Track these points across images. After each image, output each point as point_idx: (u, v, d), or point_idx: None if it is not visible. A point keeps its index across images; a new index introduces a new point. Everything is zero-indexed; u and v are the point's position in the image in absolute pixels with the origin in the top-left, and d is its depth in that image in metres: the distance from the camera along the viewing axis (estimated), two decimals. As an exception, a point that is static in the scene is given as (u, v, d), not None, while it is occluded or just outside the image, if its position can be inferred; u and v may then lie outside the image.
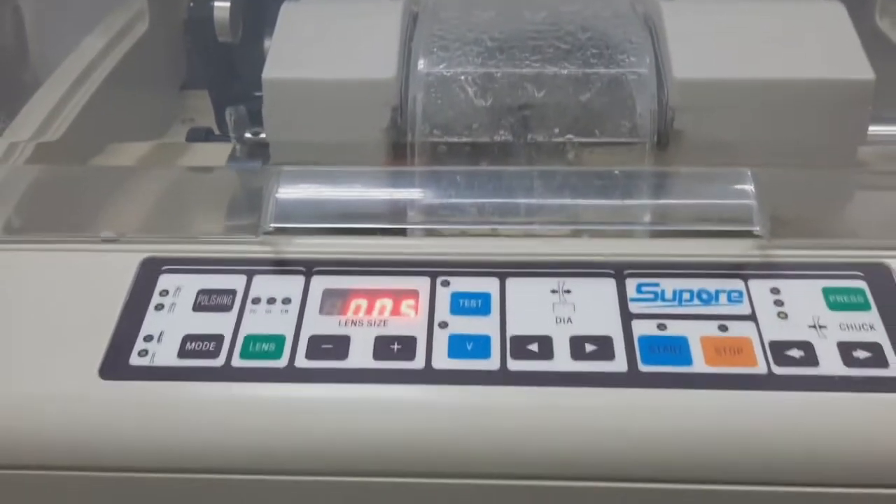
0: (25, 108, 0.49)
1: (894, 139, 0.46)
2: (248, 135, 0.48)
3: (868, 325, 0.36)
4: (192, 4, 0.52)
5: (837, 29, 0.44)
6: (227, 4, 0.50)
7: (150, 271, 0.39)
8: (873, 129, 0.45)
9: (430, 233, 0.41)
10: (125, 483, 0.35)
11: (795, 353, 0.35)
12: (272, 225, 0.39)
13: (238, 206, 0.45)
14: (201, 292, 0.38)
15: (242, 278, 0.39)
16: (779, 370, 0.35)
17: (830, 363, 0.35)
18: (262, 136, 0.46)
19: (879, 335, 0.36)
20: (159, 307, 0.38)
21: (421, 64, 0.44)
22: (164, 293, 0.38)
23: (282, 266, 0.39)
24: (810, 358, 0.35)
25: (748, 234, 0.39)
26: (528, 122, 0.44)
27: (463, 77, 0.44)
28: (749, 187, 0.39)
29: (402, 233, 0.41)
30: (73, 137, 0.48)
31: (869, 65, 0.43)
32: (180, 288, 0.39)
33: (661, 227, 0.40)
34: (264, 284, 0.39)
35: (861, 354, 0.35)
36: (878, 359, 0.35)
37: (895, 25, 0.57)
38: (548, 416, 0.34)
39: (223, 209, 0.45)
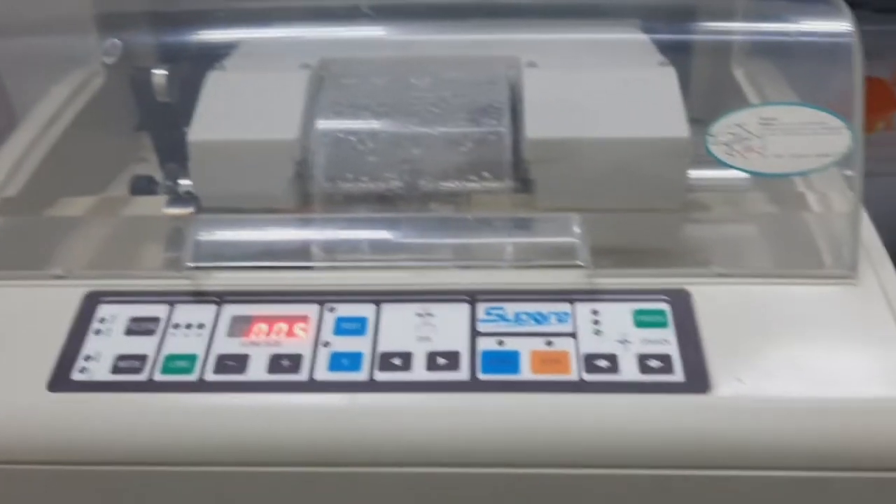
0: (-7, 161, 0.58)
1: (719, 184, 0.54)
2: (182, 182, 0.56)
3: (664, 340, 0.45)
4: (134, 70, 0.60)
5: (665, 91, 0.53)
6: (165, 72, 0.59)
7: (91, 302, 0.48)
8: (701, 174, 0.54)
9: (323, 267, 0.50)
10: (68, 474, 0.43)
11: (602, 363, 0.44)
12: (191, 263, 0.48)
13: (170, 247, 0.54)
14: (132, 319, 0.47)
15: (166, 307, 0.48)
16: (588, 377, 0.44)
17: (629, 371, 0.44)
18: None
19: (672, 348, 0.45)
20: (97, 332, 0.46)
21: (320, 125, 0.53)
22: (102, 320, 0.47)
23: (199, 297, 0.48)
24: (614, 367, 0.44)
25: (575, 266, 0.48)
26: (411, 174, 0.52)
27: (352, 137, 0.53)
28: (576, 229, 0.48)
29: (300, 268, 0.50)
30: (33, 188, 0.57)
31: (686, 123, 0.51)
32: (115, 316, 0.47)
33: (506, 262, 0.49)
34: (184, 312, 0.47)
35: (654, 363, 0.44)
36: (667, 367, 0.44)
37: (748, 76, 0.66)
38: (404, 416, 0.43)
39: (158, 250, 0.54)
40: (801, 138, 0.47)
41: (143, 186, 0.59)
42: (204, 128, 0.53)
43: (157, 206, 0.57)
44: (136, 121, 0.71)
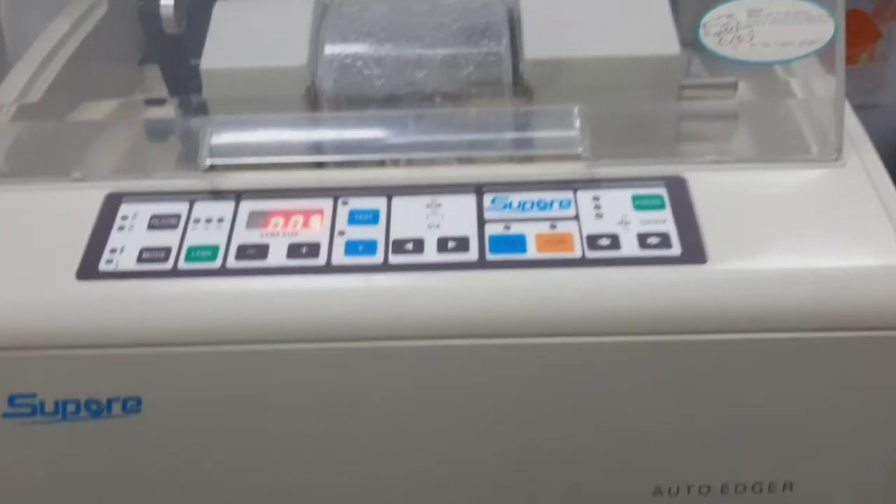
0: (6, 79, 0.59)
1: (708, 92, 0.57)
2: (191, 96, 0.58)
3: (662, 220, 0.48)
4: (141, 3, 0.62)
5: (656, 11, 0.55)
6: (172, 2, 0.60)
7: (112, 202, 0.50)
8: (690, 82, 0.56)
9: (335, 165, 0.52)
10: (97, 358, 0.46)
11: (604, 241, 0.47)
12: (208, 162, 0.50)
13: (185, 151, 0.55)
14: (154, 216, 0.49)
15: (186, 205, 0.50)
16: (590, 254, 0.46)
17: (630, 247, 0.46)
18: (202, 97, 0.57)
19: (669, 227, 0.47)
20: (121, 228, 0.49)
21: (327, 51, 0.55)
22: (125, 218, 0.49)
23: (217, 195, 0.50)
24: (615, 244, 0.46)
25: (577, 157, 0.50)
26: (414, 96, 0.55)
27: (359, 62, 0.55)
28: (576, 121, 0.50)
29: (313, 166, 0.52)
30: (49, 99, 0.58)
31: (676, 40, 0.53)
32: (137, 214, 0.49)
33: (511, 154, 0.51)
34: (203, 209, 0.49)
35: (653, 240, 0.47)
36: (665, 243, 0.46)
37: None
38: (418, 294, 0.46)
39: (173, 154, 0.56)
40: (786, 27, 0.49)
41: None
42: (215, 56, 0.54)
43: (166, 112, 0.59)
44: (140, 53, 0.73)
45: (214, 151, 0.50)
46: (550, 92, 0.54)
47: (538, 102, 0.54)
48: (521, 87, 0.54)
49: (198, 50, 0.56)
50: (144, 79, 0.73)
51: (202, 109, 0.57)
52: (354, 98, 0.54)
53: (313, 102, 0.55)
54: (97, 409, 0.47)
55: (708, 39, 0.49)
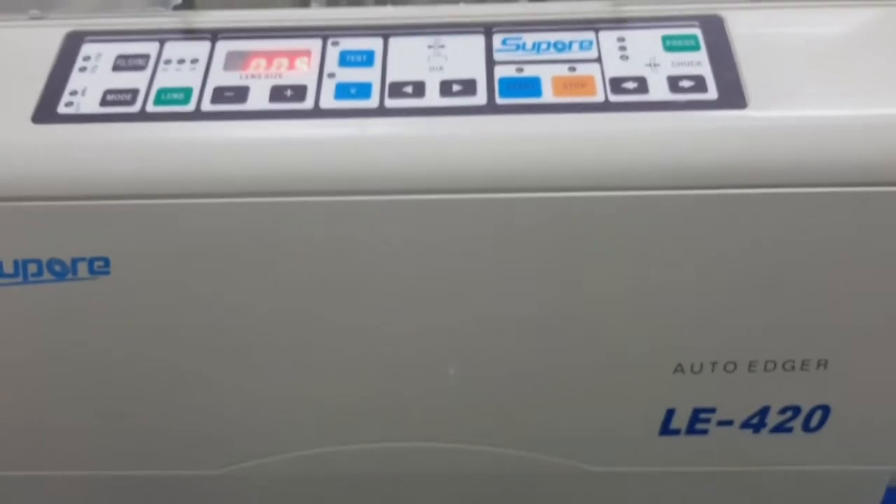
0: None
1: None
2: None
3: (696, 62, 0.42)
4: None
5: None
6: None
7: (73, 41, 0.44)
8: None
9: (323, 3, 0.46)
10: (59, 210, 0.41)
11: (630, 84, 0.41)
12: (179, -4, 0.44)
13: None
14: (119, 57, 0.43)
15: (155, 45, 0.44)
16: (614, 98, 0.41)
17: (659, 91, 0.41)
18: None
19: (704, 69, 0.41)
20: (83, 69, 0.43)
21: None
22: (87, 58, 0.43)
23: (190, 34, 0.44)
24: (642, 88, 0.41)
25: (599, -7, 0.44)
26: None
27: None
28: (601, -49, 0.44)
29: (299, 4, 0.46)
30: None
31: None
32: (101, 54, 0.44)
33: (525, -15, 0.45)
34: (175, 49, 0.44)
35: (686, 84, 0.41)
36: (700, 86, 0.41)
37: None
38: (419, 141, 0.40)
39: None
40: None
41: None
42: None
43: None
44: None
45: (187, -18, 0.45)
46: None
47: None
48: None
49: None
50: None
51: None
52: None
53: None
54: (61, 271, 0.42)
55: None
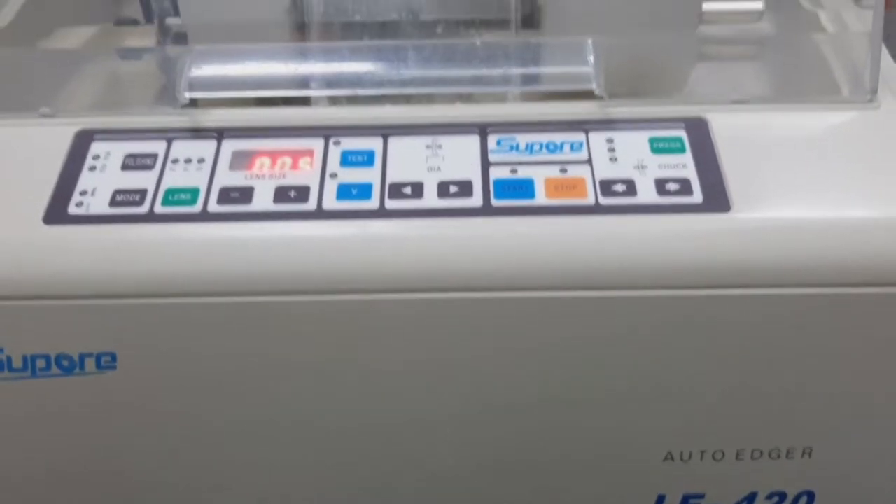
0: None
1: (731, 16, 0.52)
2: (169, 21, 0.53)
3: (682, 165, 0.44)
4: None
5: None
6: None
7: (83, 140, 0.45)
8: (711, 6, 0.52)
9: (325, 102, 0.48)
10: (67, 309, 0.42)
11: (619, 187, 0.43)
12: (187, 95, 0.46)
13: (161, 85, 0.51)
14: (128, 156, 0.45)
15: (163, 143, 0.45)
16: (605, 200, 0.42)
17: (647, 193, 0.42)
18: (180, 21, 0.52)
19: (689, 172, 0.43)
20: (92, 168, 0.44)
21: (315, -42, 0.50)
22: (96, 157, 0.45)
23: (197, 132, 0.46)
24: (631, 190, 0.43)
25: (590, 95, 0.46)
26: (411, 3, 0.50)
27: (352, -28, 0.50)
28: (590, 56, 0.46)
29: (301, 102, 0.48)
30: (19, 23, 0.54)
31: None
32: (110, 153, 0.45)
33: (518, 89, 0.47)
34: (182, 148, 0.45)
35: (672, 186, 0.43)
36: (686, 189, 0.43)
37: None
38: (418, 242, 0.42)
39: (149, 87, 0.51)
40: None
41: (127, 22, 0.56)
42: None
43: (143, 40, 0.54)
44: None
45: (194, 84, 0.46)
46: (560, 14, 0.49)
47: (546, 26, 0.50)
48: (528, 5, 0.50)
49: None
50: (121, 7, 0.68)
51: (181, 37, 0.52)
52: (344, 12, 0.50)
53: (299, 17, 0.50)
54: (69, 366, 0.43)
55: (734, -34, 0.45)
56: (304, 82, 0.48)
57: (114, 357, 0.43)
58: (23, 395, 0.44)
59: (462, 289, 0.42)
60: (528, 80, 0.47)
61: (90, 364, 0.43)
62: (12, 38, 0.53)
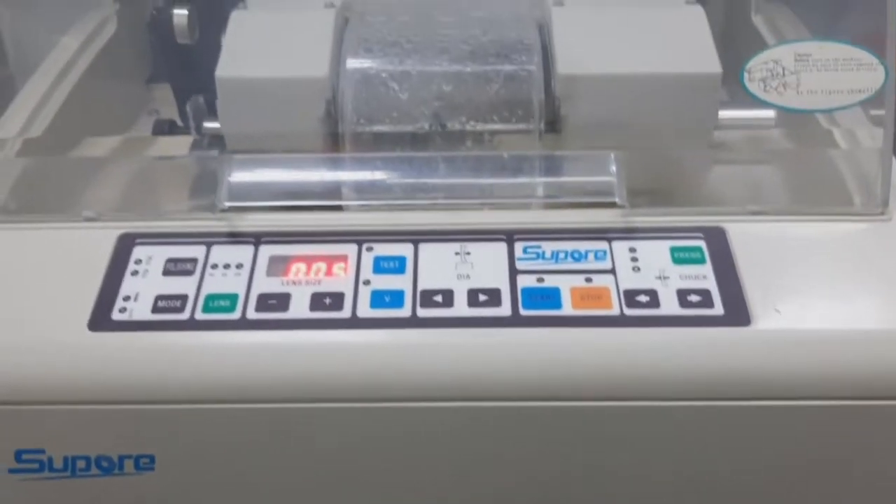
0: (12, 105, 0.57)
1: (745, 122, 0.55)
2: (206, 125, 0.55)
3: (702, 276, 0.46)
4: (154, 12, 0.59)
5: (695, 29, 0.53)
6: (186, 12, 0.58)
7: (125, 244, 0.47)
8: (728, 113, 0.54)
9: (359, 208, 0.50)
10: (111, 414, 0.43)
11: (643, 298, 0.45)
12: (226, 203, 0.48)
13: (199, 189, 0.53)
14: (169, 260, 0.47)
15: (203, 248, 0.47)
16: (629, 311, 0.44)
17: (670, 305, 0.44)
18: (217, 125, 0.54)
19: (710, 283, 0.45)
20: (134, 273, 0.46)
21: (349, 63, 0.53)
22: (139, 262, 0.47)
23: (235, 238, 0.48)
24: (654, 301, 0.44)
25: (612, 205, 0.48)
26: (441, 113, 0.52)
27: (384, 74, 0.52)
28: (612, 167, 0.48)
29: (335, 208, 0.50)
30: (54, 132, 0.56)
31: (717, 59, 0.51)
32: (151, 257, 0.47)
33: (544, 200, 0.49)
34: (221, 253, 0.47)
35: (694, 298, 0.45)
36: (707, 301, 0.44)
37: (767, 22, 0.66)
38: (448, 351, 0.43)
39: (186, 191, 0.53)
40: (834, 74, 0.47)
41: (164, 131, 0.58)
42: (232, 65, 0.52)
43: (180, 147, 0.56)
44: (148, 71, 0.71)
45: (234, 193, 0.48)
46: (581, 114, 0.51)
47: (567, 126, 0.52)
48: (550, 108, 0.52)
49: (209, 64, 0.53)
50: (152, 98, 0.71)
51: (217, 141, 0.54)
52: (377, 112, 0.52)
53: (333, 116, 0.52)
54: (108, 467, 0.45)
55: (752, 85, 0.47)
56: (339, 191, 0.50)
57: (152, 459, 0.45)
58: (62, 493, 0.45)
59: (494, 398, 0.43)
60: (554, 190, 0.49)
61: (129, 465, 0.45)
62: (48, 145, 0.55)
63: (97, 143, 0.55)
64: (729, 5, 0.68)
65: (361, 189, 0.50)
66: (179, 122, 0.61)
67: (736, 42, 0.66)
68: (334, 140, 0.52)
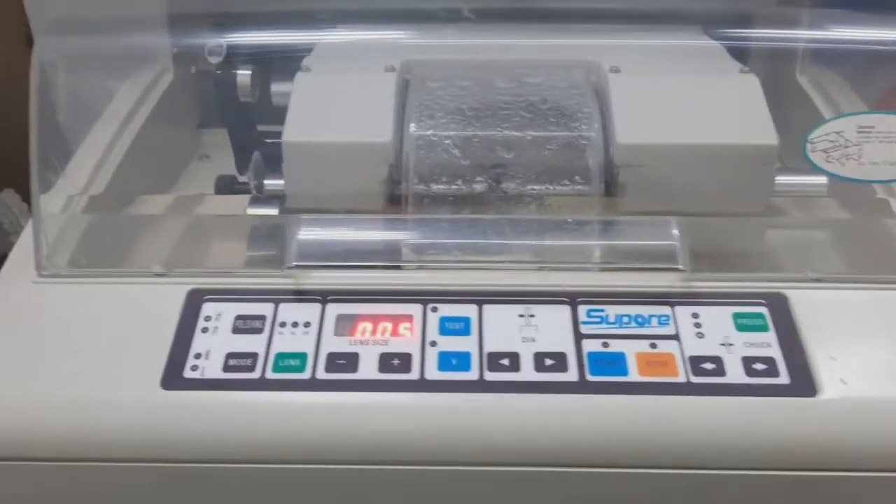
0: (74, 158, 0.58)
1: (799, 189, 0.55)
2: (267, 182, 0.57)
3: (766, 343, 0.46)
4: (218, 71, 0.61)
5: (751, 98, 0.54)
6: (249, 72, 0.60)
7: (195, 300, 0.48)
8: (783, 179, 0.55)
9: (421, 268, 0.50)
10: (185, 472, 0.44)
11: (708, 365, 0.45)
12: (295, 262, 0.48)
13: (261, 246, 0.54)
14: (238, 317, 0.47)
15: (271, 306, 0.48)
16: (695, 379, 0.45)
17: (735, 373, 0.45)
18: (279, 183, 0.55)
19: (774, 351, 0.46)
20: (205, 330, 0.47)
21: (412, 128, 0.54)
22: (208, 318, 0.47)
23: (302, 296, 0.48)
24: (720, 369, 0.45)
25: (674, 270, 0.48)
26: (500, 177, 0.53)
27: (447, 140, 0.53)
28: (675, 231, 0.49)
29: (399, 268, 0.50)
30: (116, 184, 0.57)
31: (774, 131, 0.52)
32: (221, 314, 0.48)
33: (606, 265, 0.50)
34: (289, 311, 0.48)
35: (759, 366, 0.45)
36: (772, 370, 0.45)
37: (812, 82, 0.67)
38: (516, 416, 0.44)
39: (250, 248, 0.54)
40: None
41: (226, 186, 0.59)
42: (298, 129, 0.53)
43: (239, 205, 0.57)
44: (199, 117, 0.72)
45: (302, 252, 0.49)
46: (639, 181, 0.52)
47: (626, 192, 0.53)
48: (609, 174, 0.53)
49: (264, 117, 0.54)
50: (202, 143, 0.72)
51: (278, 199, 0.55)
52: (439, 176, 0.53)
53: (395, 178, 0.53)
54: (176, 524, 0.45)
55: (815, 156, 0.48)
56: (401, 252, 0.50)
57: (220, 518, 0.45)
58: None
59: (563, 464, 0.43)
60: (618, 254, 0.50)
61: (197, 524, 0.45)
62: (111, 199, 0.56)
63: (153, 201, 0.56)
64: (773, 65, 0.70)
65: (425, 249, 0.51)
66: (237, 174, 0.62)
67: (783, 103, 0.67)
68: (395, 201, 0.53)
